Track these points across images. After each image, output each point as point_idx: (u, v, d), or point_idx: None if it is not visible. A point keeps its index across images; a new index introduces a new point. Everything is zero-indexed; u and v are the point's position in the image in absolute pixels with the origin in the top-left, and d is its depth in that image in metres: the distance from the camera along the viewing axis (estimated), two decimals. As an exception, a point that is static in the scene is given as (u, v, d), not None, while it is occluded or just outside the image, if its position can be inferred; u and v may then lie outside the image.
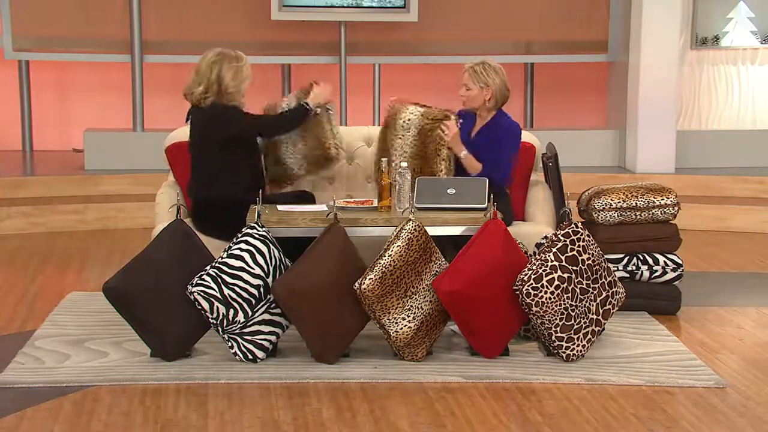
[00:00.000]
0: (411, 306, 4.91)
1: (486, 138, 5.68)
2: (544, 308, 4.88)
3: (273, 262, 4.93)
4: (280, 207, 5.31)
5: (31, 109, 9.80)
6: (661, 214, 5.88)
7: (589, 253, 5.02)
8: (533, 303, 4.87)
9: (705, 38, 9.58)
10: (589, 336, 5.01)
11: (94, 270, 6.82)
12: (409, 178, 5.26)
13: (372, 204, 5.30)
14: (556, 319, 4.91)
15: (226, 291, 4.84)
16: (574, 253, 4.96)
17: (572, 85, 10.42)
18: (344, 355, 4.96)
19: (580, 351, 4.98)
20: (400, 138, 5.81)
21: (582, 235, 5.02)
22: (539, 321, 4.93)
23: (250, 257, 4.89)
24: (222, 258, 4.91)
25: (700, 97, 9.75)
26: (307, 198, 5.75)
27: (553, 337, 4.93)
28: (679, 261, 5.87)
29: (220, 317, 4.85)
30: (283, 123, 5.75)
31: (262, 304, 4.91)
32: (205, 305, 4.84)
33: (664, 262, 5.82)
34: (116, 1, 9.36)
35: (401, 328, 4.88)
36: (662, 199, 5.88)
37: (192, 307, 4.87)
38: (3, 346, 5.15)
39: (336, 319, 4.88)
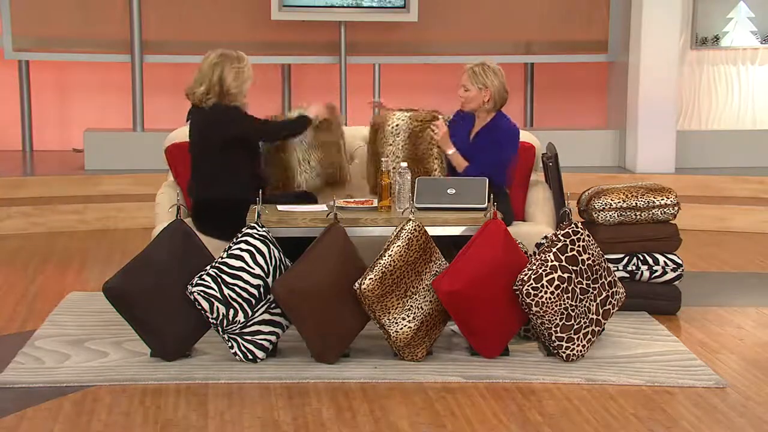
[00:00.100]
0: (411, 306, 4.91)
1: (485, 140, 5.67)
2: (544, 308, 4.88)
3: (273, 262, 4.93)
4: (280, 207, 5.31)
5: (31, 109, 9.79)
6: (661, 214, 5.88)
7: (589, 253, 5.02)
8: (533, 303, 4.87)
9: (705, 38, 9.57)
10: (589, 336, 5.01)
11: (94, 270, 6.81)
12: (409, 178, 5.26)
13: (372, 204, 5.31)
14: (556, 319, 4.91)
15: (226, 291, 4.84)
16: (574, 253, 4.96)
17: (572, 85, 10.41)
18: (344, 355, 4.96)
19: (580, 351, 4.98)
20: (390, 144, 5.90)
21: (582, 235, 5.02)
22: (539, 321, 4.92)
23: (250, 257, 4.89)
24: (222, 258, 4.91)
25: (700, 97, 9.74)
26: (308, 198, 5.75)
27: (553, 337, 4.93)
28: (679, 261, 5.87)
29: (220, 317, 4.85)
30: (286, 130, 5.81)
31: (262, 304, 4.91)
32: (205, 305, 4.84)
33: (664, 262, 5.82)
34: (116, 1, 9.35)
35: (401, 328, 4.88)
36: (662, 199, 5.88)
37: (192, 307, 4.87)
38: (3, 346, 5.15)
39: (336, 319, 4.88)
